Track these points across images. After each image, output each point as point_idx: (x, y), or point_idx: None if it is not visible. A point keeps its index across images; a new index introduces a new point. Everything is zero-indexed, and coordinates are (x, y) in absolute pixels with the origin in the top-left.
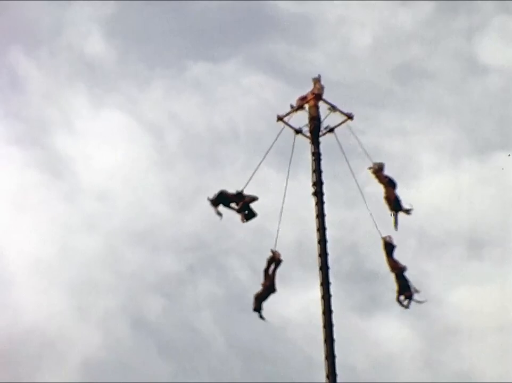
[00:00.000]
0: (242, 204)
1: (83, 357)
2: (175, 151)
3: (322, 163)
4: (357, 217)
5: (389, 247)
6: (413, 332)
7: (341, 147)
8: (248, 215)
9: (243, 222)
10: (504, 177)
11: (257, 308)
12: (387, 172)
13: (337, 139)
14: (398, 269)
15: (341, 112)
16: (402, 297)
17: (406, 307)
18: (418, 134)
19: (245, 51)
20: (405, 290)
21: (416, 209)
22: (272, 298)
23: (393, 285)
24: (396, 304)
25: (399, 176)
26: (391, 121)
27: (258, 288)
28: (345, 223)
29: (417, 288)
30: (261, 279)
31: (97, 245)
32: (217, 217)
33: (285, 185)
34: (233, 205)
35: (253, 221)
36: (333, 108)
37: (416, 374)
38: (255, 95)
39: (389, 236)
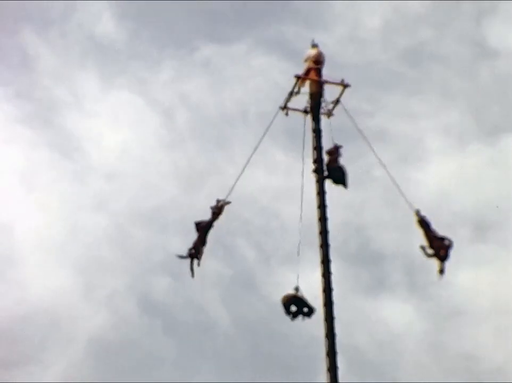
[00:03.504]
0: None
1: (89, 335)
2: (184, 132)
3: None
4: (364, 199)
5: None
6: (418, 313)
7: (352, 120)
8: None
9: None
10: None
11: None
12: (395, 154)
13: (345, 109)
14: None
15: (334, 83)
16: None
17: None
18: (426, 117)
19: (254, 33)
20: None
21: (423, 192)
22: (280, 277)
23: (400, 268)
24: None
25: (406, 158)
26: (400, 104)
27: (265, 269)
28: (353, 205)
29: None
30: (267, 259)
31: (105, 224)
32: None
33: (291, 166)
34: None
35: (261, 201)
36: (326, 81)
37: (420, 355)
38: (265, 76)
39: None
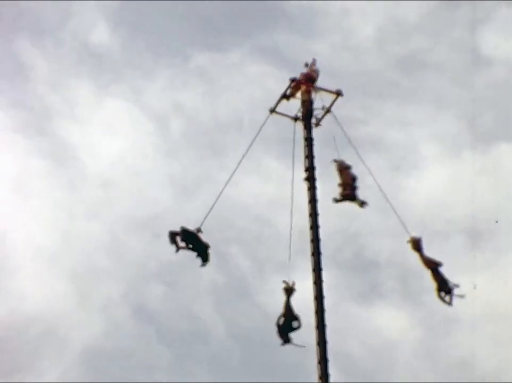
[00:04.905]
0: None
1: (83, 344)
2: (179, 140)
3: (326, 151)
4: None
5: (418, 245)
6: (412, 321)
7: (342, 128)
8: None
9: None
10: (505, 169)
11: (286, 340)
12: (389, 161)
13: (335, 118)
14: (434, 265)
15: (328, 90)
16: (442, 293)
17: (449, 304)
18: (420, 125)
19: (249, 41)
20: (444, 286)
21: (416, 199)
22: (273, 285)
23: (394, 275)
24: (438, 299)
25: (400, 166)
26: (394, 112)
27: (258, 277)
28: (346, 212)
29: (455, 283)
30: (261, 267)
31: (100, 232)
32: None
33: (284, 174)
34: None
35: (254, 209)
36: (320, 89)
37: (415, 362)
38: (259, 85)
39: (415, 236)
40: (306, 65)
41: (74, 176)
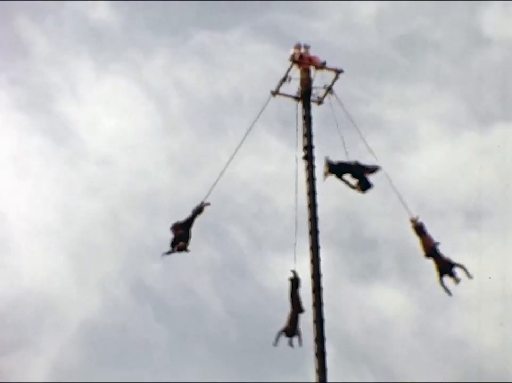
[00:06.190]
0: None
1: (81, 320)
2: (178, 118)
3: (327, 129)
4: None
5: (420, 229)
6: (409, 300)
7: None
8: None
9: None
10: (504, 149)
11: (293, 333)
12: (388, 141)
13: (337, 97)
14: (431, 250)
15: (329, 68)
16: (444, 278)
17: (450, 293)
18: (419, 104)
19: (249, 20)
20: (446, 268)
21: (416, 179)
22: (271, 263)
23: (392, 254)
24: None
25: (399, 146)
26: (393, 91)
27: (256, 254)
28: (345, 192)
29: (459, 263)
30: (259, 245)
31: (99, 210)
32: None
33: (284, 153)
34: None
35: (253, 188)
36: (321, 67)
37: (411, 341)
38: (259, 63)
39: (417, 217)
40: (299, 46)
41: (73, 154)
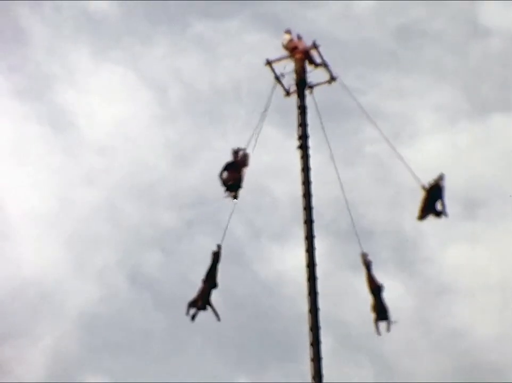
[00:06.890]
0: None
1: (80, 309)
2: (177, 107)
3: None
4: (354, 176)
5: (367, 263)
6: (407, 290)
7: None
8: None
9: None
10: (502, 139)
11: (203, 306)
12: (386, 131)
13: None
14: (377, 288)
15: (330, 72)
16: (379, 322)
17: (379, 333)
18: (417, 95)
19: (248, 9)
20: (383, 313)
21: (413, 169)
22: (267, 254)
23: (389, 245)
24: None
25: (397, 136)
26: (391, 82)
27: (254, 244)
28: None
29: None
30: (256, 235)
31: (97, 199)
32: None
33: (281, 143)
34: None
35: (251, 178)
36: (325, 65)
37: (408, 331)
38: (258, 53)
39: (366, 253)
40: (289, 31)
41: (71, 143)
